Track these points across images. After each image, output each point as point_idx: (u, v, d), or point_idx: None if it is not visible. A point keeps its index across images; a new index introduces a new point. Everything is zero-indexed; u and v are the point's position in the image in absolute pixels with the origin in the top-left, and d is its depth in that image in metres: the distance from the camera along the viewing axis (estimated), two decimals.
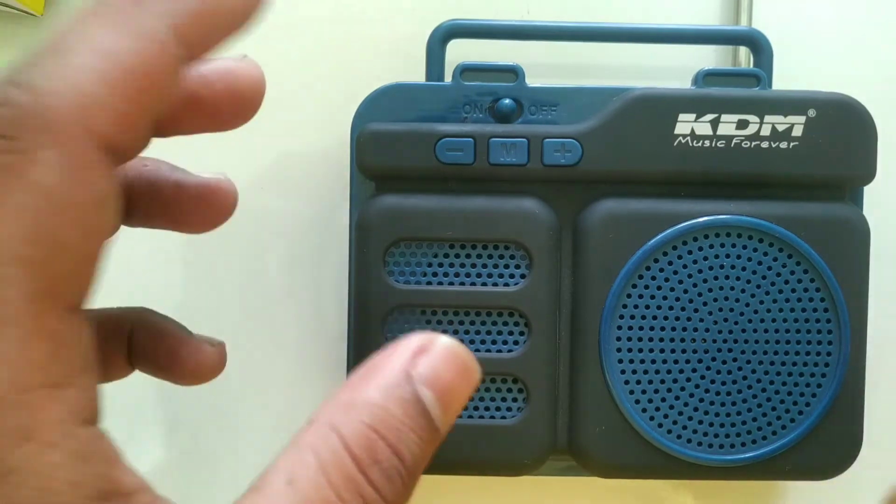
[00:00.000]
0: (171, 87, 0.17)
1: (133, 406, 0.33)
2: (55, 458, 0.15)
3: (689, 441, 0.28)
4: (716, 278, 0.28)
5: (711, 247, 0.28)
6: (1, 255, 0.15)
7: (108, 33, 0.16)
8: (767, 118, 0.28)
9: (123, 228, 0.33)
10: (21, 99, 0.15)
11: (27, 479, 0.15)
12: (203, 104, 0.20)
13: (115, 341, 0.24)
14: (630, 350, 0.28)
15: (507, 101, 0.29)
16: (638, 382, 0.28)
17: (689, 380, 0.28)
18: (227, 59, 0.21)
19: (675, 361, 0.28)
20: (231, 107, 0.21)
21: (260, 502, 0.17)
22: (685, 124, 0.28)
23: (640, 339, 0.28)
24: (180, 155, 0.33)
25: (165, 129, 0.21)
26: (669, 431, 0.28)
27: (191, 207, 0.24)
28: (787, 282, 0.28)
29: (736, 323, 0.28)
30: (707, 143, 0.28)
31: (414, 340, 0.18)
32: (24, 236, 0.15)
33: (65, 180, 0.15)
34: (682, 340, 0.28)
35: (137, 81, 0.16)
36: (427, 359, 0.18)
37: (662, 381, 0.28)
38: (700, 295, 0.28)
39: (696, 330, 0.28)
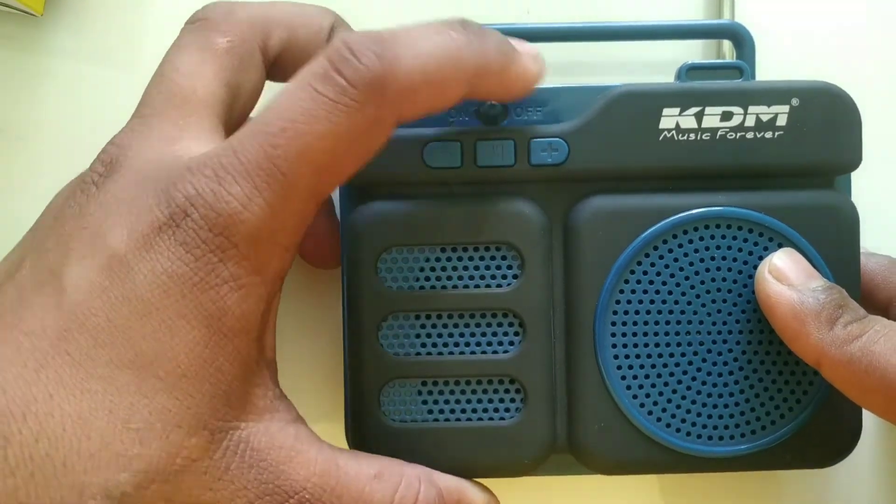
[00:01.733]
0: (447, 105, 0.25)
1: None
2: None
3: (687, 434, 0.28)
4: (707, 270, 0.28)
5: (702, 239, 0.28)
6: (307, 157, 0.22)
7: (443, 53, 0.23)
8: (751, 109, 0.28)
9: None
10: (375, 68, 0.22)
11: None
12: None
13: None
14: (625, 346, 0.28)
15: (493, 103, 0.29)
16: (634, 377, 0.28)
17: (685, 373, 0.28)
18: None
19: (671, 355, 0.28)
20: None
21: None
22: (670, 118, 0.28)
23: (634, 335, 0.28)
24: None
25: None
26: (668, 425, 0.28)
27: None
28: None
29: (730, 314, 0.28)
30: (692, 136, 0.28)
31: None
32: (326, 153, 0.22)
33: (369, 134, 0.23)
34: (677, 334, 0.28)
35: (436, 92, 0.24)
36: None
37: (659, 375, 0.28)
38: (693, 287, 0.28)
39: (690, 322, 0.28)
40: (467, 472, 0.28)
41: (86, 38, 0.33)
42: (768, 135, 0.28)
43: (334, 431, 0.32)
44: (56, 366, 0.20)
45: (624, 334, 0.28)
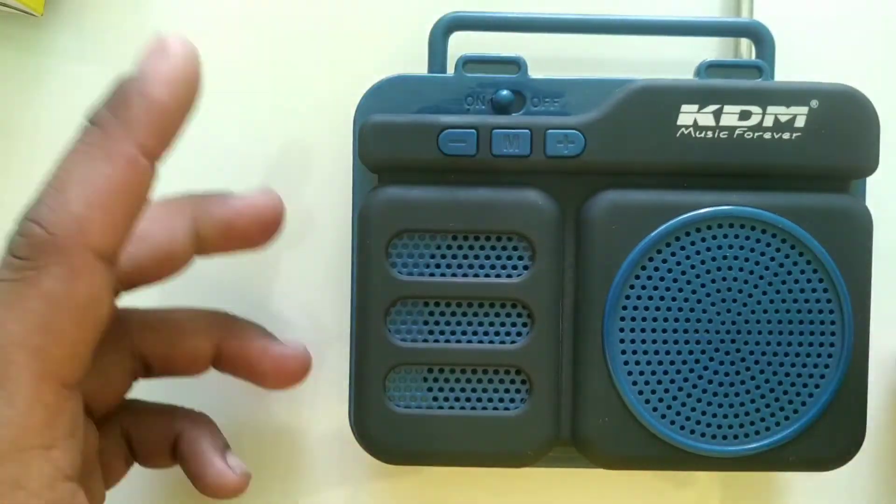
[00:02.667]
0: (143, 193, 0.23)
1: None
2: None
3: (692, 432, 0.28)
4: (719, 269, 0.28)
5: (714, 238, 0.28)
6: (14, 344, 0.20)
7: (89, 163, 0.22)
8: (770, 109, 0.28)
9: None
10: (35, 230, 0.21)
11: None
12: (235, 231, 0.26)
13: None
14: (633, 341, 0.28)
15: (504, 91, 0.29)
16: (641, 373, 0.28)
17: (692, 370, 0.28)
18: (254, 195, 0.27)
19: (679, 352, 0.28)
20: (258, 232, 0.27)
21: None
22: (688, 115, 0.28)
23: (643, 331, 0.28)
24: (192, 152, 0.33)
25: (207, 250, 0.27)
26: (673, 422, 0.28)
27: (268, 371, 0.29)
28: (789, 272, 0.28)
29: (739, 314, 0.28)
30: (710, 134, 0.28)
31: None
32: (32, 330, 0.21)
33: (66, 286, 0.21)
34: (686, 331, 0.28)
35: (115, 197, 0.22)
36: None
37: (666, 372, 0.28)
38: (703, 286, 0.28)
39: (699, 321, 0.28)
40: (469, 461, 0.29)
41: (86, 38, 0.33)
42: (786, 136, 0.28)
43: (339, 416, 0.32)
44: None
45: (632, 330, 0.28)
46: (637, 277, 0.28)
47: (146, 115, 0.22)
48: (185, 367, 0.28)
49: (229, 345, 0.28)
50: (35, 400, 0.21)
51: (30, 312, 0.21)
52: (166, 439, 0.28)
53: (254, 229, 0.26)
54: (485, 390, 0.28)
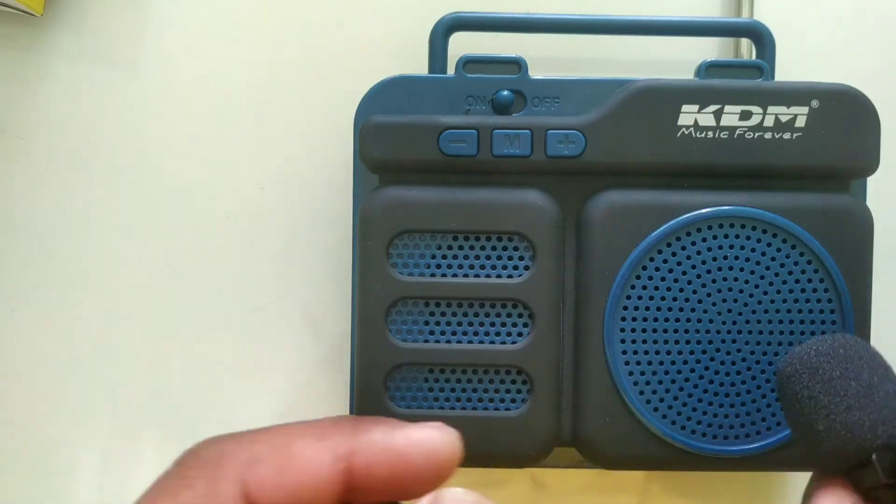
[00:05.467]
0: (324, 486, 0.21)
1: (133, 406, 0.33)
2: None
3: (693, 432, 0.28)
4: (719, 269, 0.28)
5: (715, 238, 0.28)
6: None
7: (302, 434, 0.21)
8: (770, 109, 0.28)
9: (123, 237, 0.33)
10: (211, 451, 0.21)
11: None
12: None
13: None
14: (634, 341, 0.28)
15: (504, 92, 0.29)
16: (642, 374, 0.28)
17: (693, 371, 0.28)
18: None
19: (680, 352, 0.28)
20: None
21: None
22: (688, 115, 0.28)
23: (643, 331, 0.28)
24: (192, 148, 0.33)
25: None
26: (674, 423, 0.28)
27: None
28: (790, 272, 0.28)
29: (740, 314, 0.28)
30: (710, 134, 0.28)
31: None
32: None
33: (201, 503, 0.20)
34: (686, 331, 0.28)
35: (297, 467, 0.21)
36: None
37: (667, 372, 0.28)
38: (704, 286, 0.28)
39: (699, 321, 0.28)
40: (470, 461, 0.28)
41: (86, 38, 0.33)
42: (786, 136, 0.28)
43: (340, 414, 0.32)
44: None
45: (633, 330, 0.28)
46: (638, 277, 0.28)
47: (375, 440, 0.21)
48: None
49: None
50: None
51: None
52: None
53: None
54: (486, 390, 0.28)
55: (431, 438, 0.22)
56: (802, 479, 0.33)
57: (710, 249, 0.28)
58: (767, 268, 0.28)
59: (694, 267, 0.28)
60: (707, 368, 0.28)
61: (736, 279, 0.28)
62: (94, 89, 0.33)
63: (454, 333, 0.28)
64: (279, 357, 0.33)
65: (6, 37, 0.33)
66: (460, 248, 0.28)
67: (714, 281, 0.28)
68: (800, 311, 0.28)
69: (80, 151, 0.33)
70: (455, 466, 0.22)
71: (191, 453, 0.21)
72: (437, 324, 0.28)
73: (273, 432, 0.21)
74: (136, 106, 0.33)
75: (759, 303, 0.28)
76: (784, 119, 0.28)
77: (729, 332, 0.28)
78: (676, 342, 0.28)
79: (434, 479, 0.22)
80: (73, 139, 0.33)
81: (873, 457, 0.20)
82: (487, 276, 0.28)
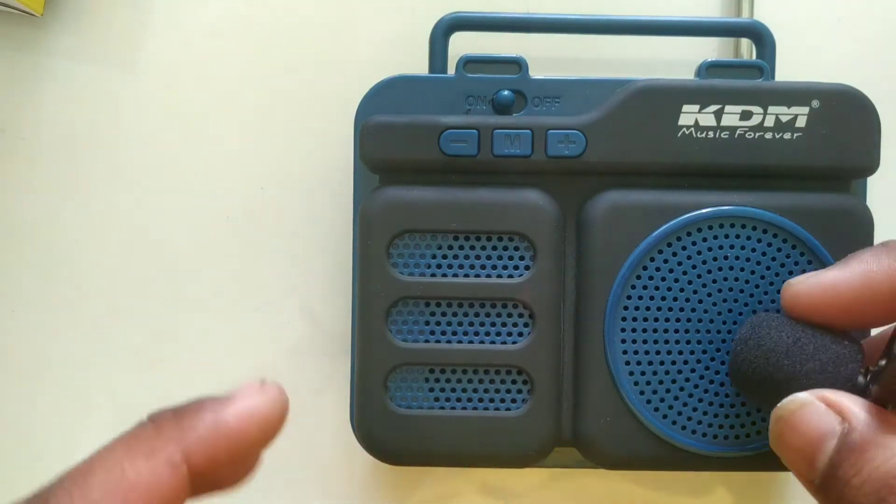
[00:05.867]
0: (173, 498, 0.21)
1: (133, 406, 0.33)
2: None
3: (693, 432, 0.28)
4: (720, 269, 0.28)
5: (715, 237, 0.28)
6: None
7: (127, 455, 0.20)
8: (771, 109, 0.28)
9: (123, 237, 0.33)
10: None
11: None
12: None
13: None
14: (634, 341, 0.28)
15: (505, 92, 0.29)
16: (643, 374, 0.28)
17: (693, 371, 0.28)
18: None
19: (680, 352, 0.28)
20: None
21: None
22: (689, 115, 0.28)
23: (644, 331, 0.28)
24: (187, 153, 0.33)
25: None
26: (674, 423, 0.28)
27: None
28: (790, 272, 0.28)
29: (740, 314, 0.28)
30: (711, 134, 0.28)
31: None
32: None
33: None
34: (687, 331, 0.28)
35: (140, 495, 0.20)
36: None
37: (667, 372, 0.28)
38: (704, 286, 0.28)
39: (700, 321, 0.28)
40: (470, 461, 0.28)
41: (86, 38, 0.33)
42: (787, 136, 0.28)
43: (340, 415, 0.32)
44: None
45: (633, 330, 0.28)
46: (638, 277, 0.28)
47: (207, 431, 0.21)
48: None
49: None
50: None
51: None
52: None
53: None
54: (486, 390, 0.28)
55: (259, 407, 0.22)
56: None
57: (710, 249, 0.28)
58: (768, 268, 0.28)
59: (694, 267, 0.28)
60: (707, 368, 0.28)
61: (736, 279, 0.28)
62: (94, 89, 0.33)
63: (454, 333, 0.28)
64: (279, 357, 0.33)
65: (6, 37, 0.33)
66: (461, 247, 0.28)
67: (714, 281, 0.28)
68: None
69: (80, 151, 0.33)
70: (285, 417, 0.22)
71: None
72: (438, 324, 0.28)
73: (99, 468, 0.20)
74: (136, 106, 0.33)
75: (760, 303, 0.28)
76: (784, 119, 0.28)
77: (729, 331, 0.28)
78: (677, 342, 0.28)
79: (271, 438, 0.22)
80: (73, 139, 0.33)
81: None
82: (488, 276, 0.28)
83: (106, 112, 0.33)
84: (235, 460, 0.21)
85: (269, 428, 0.22)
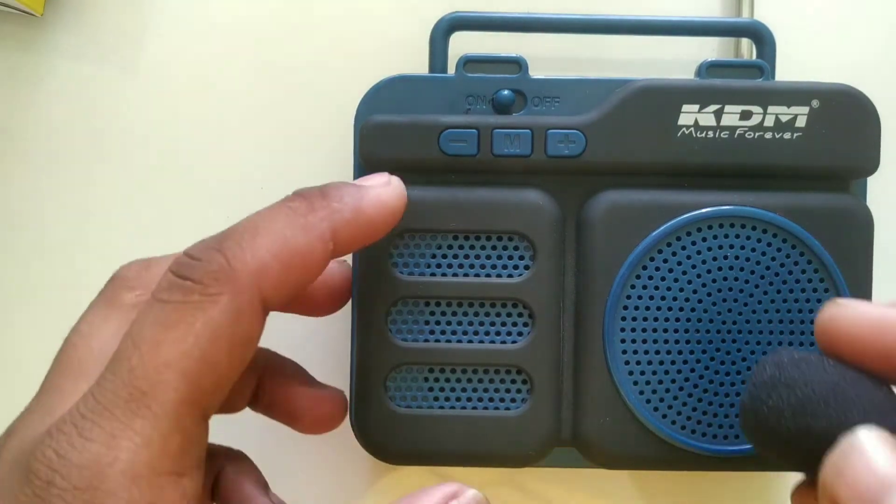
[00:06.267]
0: (318, 272, 0.23)
1: None
2: None
3: (693, 432, 0.28)
4: (720, 269, 0.28)
5: (715, 237, 0.28)
6: (168, 366, 0.20)
7: (288, 226, 0.22)
8: (771, 109, 0.28)
9: (123, 237, 0.33)
10: (218, 259, 0.21)
11: None
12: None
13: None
14: (634, 341, 0.28)
15: (505, 91, 0.29)
16: (642, 373, 0.28)
17: (693, 370, 0.28)
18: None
19: (680, 352, 0.28)
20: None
21: None
22: (689, 115, 0.28)
23: (644, 330, 0.28)
24: (197, 153, 0.33)
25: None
26: (674, 422, 0.28)
27: (306, 413, 0.28)
28: (790, 272, 0.28)
29: (740, 313, 0.28)
30: (711, 133, 0.28)
31: (445, 488, 0.22)
32: (189, 355, 0.20)
33: (231, 320, 0.21)
34: (687, 331, 0.28)
35: (298, 263, 0.22)
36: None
37: (667, 372, 0.28)
38: (704, 285, 0.28)
39: (700, 321, 0.28)
40: (470, 460, 0.28)
41: (86, 38, 0.33)
42: (787, 136, 0.28)
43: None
44: None
45: (633, 329, 0.28)
46: (638, 277, 0.28)
47: (351, 215, 0.23)
48: (228, 405, 0.27)
49: (271, 381, 0.28)
50: (177, 425, 0.20)
51: (191, 337, 0.20)
52: (206, 478, 0.26)
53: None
54: (486, 390, 0.28)
55: (391, 197, 0.24)
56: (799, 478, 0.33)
57: (710, 249, 0.28)
58: (768, 267, 0.28)
59: (694, 266, 0.28)
60: (707, 368, 0.28)
61: (736, 279, 0.28)
62: (94, 89, 0.33)
63: (454, 333, 0.28)
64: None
65: (6, 37, 0.33)
66: (460, 247, 0.28)
67: (714, 280, 0.28)
68: (800, 311, 0.28)
69: (80, 151, 0.33)
70: (403, 210, 0.25)
71: (192, 267, 0.21)
72: (438, 323, 0.28)
73: (264, 232, 0.22)
74: (136, 106, 0.33)
75: (760, 302, 0.28)
76: (784, 119, 0.28)
77: (729, 331, 0.28)
78: (676, 342, 0.28)
79: (391, 227, 0.25)
80: (73, 139, 0.33)
81: None
82: (488, 275, 0.28)
83: (106, 112, 0.33)
84: (364, 244, 0.24)
85: (392, 219, 0.24)
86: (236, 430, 0.32)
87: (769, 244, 0.28)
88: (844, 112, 0.28)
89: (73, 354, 0.23)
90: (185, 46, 0.33)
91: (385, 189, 0.24)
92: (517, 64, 0.29)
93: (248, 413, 0.33)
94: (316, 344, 0.33)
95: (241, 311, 0.21)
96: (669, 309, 0.28)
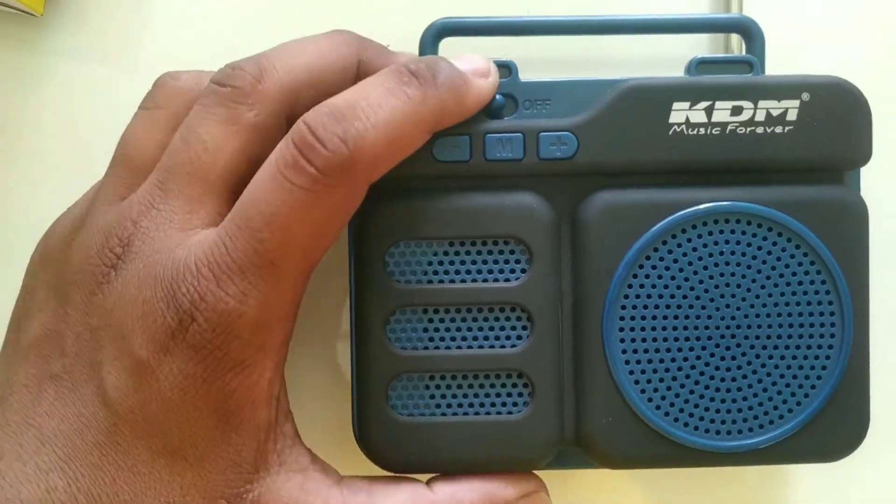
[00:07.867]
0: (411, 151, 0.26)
1: None
2: None
3: (695, 429, 0.28)
4: (716, 265, 0.28)
5: (711, 234, 0.28)
6: (293, 244, 0.24)
7: (404, 117, 0.25)
8: (762, 104, 0.28)
9: None
10: (342, 150, 0.24)
11: None
12: None
13: None
14: (633, 340, 0.28)
15: (496, 96, 0.29)
16: (643, 372, 0.28)
17: (693, 367, 0.28)
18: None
19: (679, 349, 0.28)
20: None
21: None
22: (680, 113, 0.28)
23: (643, 329, 0.28)
24: None
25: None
26: (676, 420, 0.28)
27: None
28: (787, 266, 0.28)
29: (738, 309, 0.28)
30: (702, 130, 0.28)
31: None
32: (311, 236, 0.25)
33: (346, 205, 0.25)
34: (685, 328, 0.28)
35: (405, 152, 0.26)
36: None
37: (667, 370, 0.28)
38: (701, 282, 0.28)
39: (698, 317, 0.28)
40: (474, 466, 0.28)
41: (86, 38, 0.33)
42: (778, 129, 0.28)
43: (342, 426, 0.32)
44: (112, 453, 0.24)
45: (632, 329, 0.28)
46: (635, 276, 0.28)
47: (455, 108, 0.26)
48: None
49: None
50: (292, 285, 0.25)
51: (313, 221, 0.24)
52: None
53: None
54: (487, 395, 0.28)
55: (490, 92, 0.28)
56: (806, 472, 0.33)
57: (706, 246, 0.28)
58: (764, 262, 0.28)
59: (691, 263, 0.28)
60: (708, 364, 0.28)
61: (733, 274, 0.28)
62: (94, 89, 0.33)
63: (453, 339, 0.28)
64: None
65: (6, 37, 0.33)
66: (456, 253, 0.28)
67: (711, 277, 0.28)
68: (798, 304, 0.28)
69: (80, 151, 0.33)
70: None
71: (316, 152, 0.24)
72: (437, 330, 0.28)
73: (383, 125, 0.25)
74: (136, 106, 0.33)
75: (757, 297, 0.28)
76: (775, 113, 0.28)
77: (728, 327, 0.28)
78: (676, 339, 0.28)
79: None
80: (73, 139, 0.33)
81: None
82: (485, 280, 0.28)
83: (106, 112, 0.33)
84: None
85: (481, 107, 0.28)
86: None
87: (765, 238, 0.28)
88: (835, 104, 0.28)
89: (197, 162, 0.26)
90: (186, 46, 0.33)
91: (485, 83, 0.27)
92: (507, 68, 0.29)
93: None
94: (316, 355, 0.33)
95: (354, 197, 0.25)
96: (668, 307, 0.28)
